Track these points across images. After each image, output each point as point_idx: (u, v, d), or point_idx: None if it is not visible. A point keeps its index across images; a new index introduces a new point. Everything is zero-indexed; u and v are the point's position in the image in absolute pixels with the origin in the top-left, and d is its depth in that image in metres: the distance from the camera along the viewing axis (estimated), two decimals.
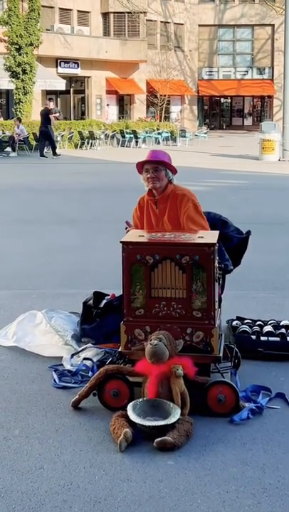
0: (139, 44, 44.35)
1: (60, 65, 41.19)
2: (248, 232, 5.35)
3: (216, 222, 5.33)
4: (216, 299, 4.46)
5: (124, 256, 4.42)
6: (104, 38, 43.66)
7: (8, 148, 29.06)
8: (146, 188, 5.07)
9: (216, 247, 4.41)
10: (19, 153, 29.02)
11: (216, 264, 4.44)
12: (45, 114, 27.59)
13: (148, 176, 4.98)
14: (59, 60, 40.92)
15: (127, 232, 5.04)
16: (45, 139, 27.69)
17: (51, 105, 29.89)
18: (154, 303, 4.39)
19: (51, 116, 27.49)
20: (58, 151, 27.82)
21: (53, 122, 27.76)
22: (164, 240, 4.50)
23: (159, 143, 34.73)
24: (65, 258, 8.86)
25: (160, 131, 36.45)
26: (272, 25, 50.41)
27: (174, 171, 5.05)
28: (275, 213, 12.86)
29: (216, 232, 4.70)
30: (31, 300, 6.74)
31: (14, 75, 33.27)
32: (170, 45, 48.08)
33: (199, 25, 50.59)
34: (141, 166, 5.05)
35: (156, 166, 4.97)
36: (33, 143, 30.53)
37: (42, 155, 27.23)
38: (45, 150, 27.71)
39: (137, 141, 33.99)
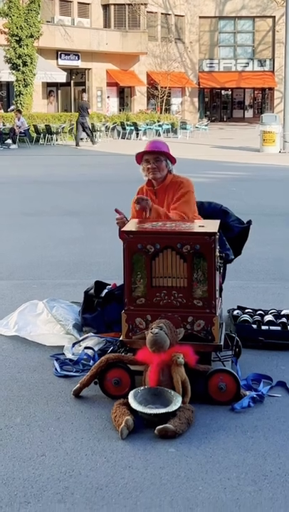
0: (139, 36, 44.23)
1: (60, 57, 41.10)
2: (249, 222, 5.35)
3: (216, 212, 5.33)
4: (217, 287, 4.46)
5: (125, 245, 4.42)
6: (104, 30, 43.55)
7: (9, 141, 29.05)
8: (146, 178, 5.07)
9: (217, 236, 4.41)
10: (20, 145, 28.99)
11: (217, 253, 4.45)
12: (83, 107, 28.96)
13: (148, 166, 4.97)
14: (59, 52, 40.82)
15: (117, 220, 5.01)
16: (83, 128, 28.89)
17: (85, 97, 31.52)
18: (155, 292, 4.39)
19: (89, 110, 29.28)
20: (58, 143, 27.95)
21: (88, 113, 29.20)
22: (165, 229, 4.50)
23: (159, 135, 34.68)
24: (66, 249, 8.86)
25: (161, 123, 36.40)
26: (273, 17, 50.27)
27: (174, 160, 5.06)
28: (276, 205, 12.86)
29: (217, 222, 4.71)
30: (32, 290, 6.74)
31: (14, 67, 33.20)
32: (171, 37, 47.93)
33: (200, 17, 50.43)
34: (140, 157, 5.04)
35: (157, 157, 4.97)
36: (34, 135, 30.53)
37: (93, 142, 29.14)
38: (84, 139, 29.43)
39: (137, 133, 33.96)
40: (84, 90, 43.46)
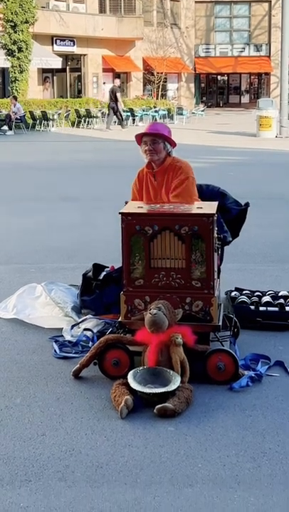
0: (135, 21, 43.98)
1: (55, 43, 40.86)
2: (247, 204, 5.35)
3: (214, 194, 5.34)
4: (215, 269, 4.48)
5: (123, 227, 4.43)
6: (100, 15, 43.27)
7: (5, 127, 28.99)
8: (145, 160, 5.08)
9: (215, 218, 4.43)
10: (16, 131, 28.93)
11: (215, 234, 4.46)
12: (113, 91, 30.02)
13: (146, 148, 4.98)
14: (55, 38, 40.58)
15: None
16: (113, 113, 30.12)
17: (117, 83, 32.68)
18: (153, 273, 4.41)
19: (118, 94, 30.19)
20: (54, 129, 27.99)
21: (119, 99, 30.24)
22: (163, 210, 4.52)
23: (156, 121, 34.58)
24: (65, 235, 8.86)
25: (157, 109, 36.29)
26: (270, 1, 50.01)
27: (173, 144, 5.05)
28: (273, 189, 12.87)
29: (215, 203, 4.72)
30: (30, 274, 6.76)
31: (10, 53, 33.04)
32: (166, 22, 47.65)
33: (196, 2, 50.12)
34: (140, 138, 5.05)
35: (154, 139, 4.97)
36: (30, 121, 30.46)
37: (122, 126, 30.26)
38: (112, 124, 30.39)
39: (134, 119, 33.89)
40: (80, 77, 43.39)
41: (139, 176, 5.17)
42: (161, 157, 4.99)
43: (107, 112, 31.04)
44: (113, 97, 29.61)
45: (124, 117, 31.13)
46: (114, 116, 30.39)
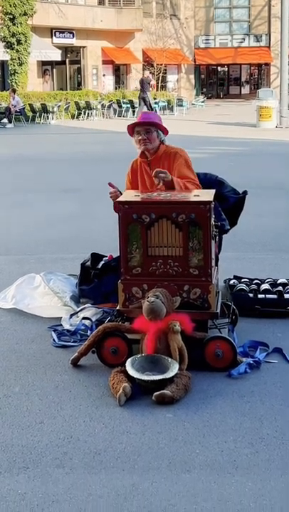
0: (134, 12, 43.85)
1: (55, 35, 40.74)
2: (245, 192, 5.34)
3: (212, 182, 5.32)
4: (213, 256, 4.48)
5: (120, 216, 4.43)
6: (99, 7, 43.14)
7: (5, 120, 28.95)
8: (138, 150, 5.07)
9: (212, 205, 4.42)
10: (16, 124, 28.91)
11: (212, 222, 4.46)
12: (142, 82, 31.70)
13: (140, 138, 4.97)
14: (54, 30, 40.47)
15: (111, 193, 4.99)
16: (144, 103, 31.26)
17: (147, 74, 34.56)
18: (151, 261, 4.41)
19: (148, 84, 31.83)
20: (54, 121, 28.10)
21: (149, 89, 31.94)
22: (160, 198, 4.51)
23: (155, 112, 34.52)
24: (64, 226, 8.86)
25: (157, 100, 36.20)
26: None
27: (165, 131, 5.05)
28: (273, 179, 12.84)
29: (212, 191, 4.71)
30: (29, 265, 6.76)
31: (9, 46, 32.97)
32: (166, 13, 47.49)
33: None
34: (132, 129, 5.04)
35: (148, 128, 4.97)
36: (30, 114, 30.41)
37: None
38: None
39: (134, 111, 33.81)
40: (79, 69, 43.35)
41: (132, 167, 5.16)
42: (155, 146, 4.99)
43: (138, 103, 32.15)
44: (145, 87, 30.74)
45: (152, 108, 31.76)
46: (145, 106, 31.05)
